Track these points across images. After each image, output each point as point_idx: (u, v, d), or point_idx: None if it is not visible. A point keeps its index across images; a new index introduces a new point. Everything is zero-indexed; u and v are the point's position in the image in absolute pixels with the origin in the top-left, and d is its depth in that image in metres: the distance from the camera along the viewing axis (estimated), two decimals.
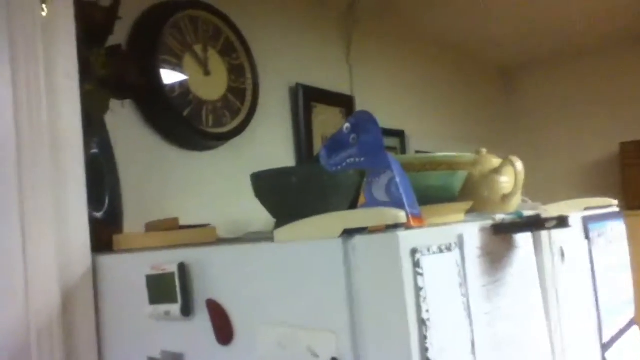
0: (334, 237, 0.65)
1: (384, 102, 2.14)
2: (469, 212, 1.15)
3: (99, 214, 1.12)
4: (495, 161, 1.25)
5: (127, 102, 1.35)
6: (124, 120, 1.35)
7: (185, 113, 1.42)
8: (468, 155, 1.10)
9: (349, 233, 0.66)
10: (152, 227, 1.09)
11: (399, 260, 0.60)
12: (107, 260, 0.94)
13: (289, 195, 0.90)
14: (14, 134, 0.85)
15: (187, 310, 0.78)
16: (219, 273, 0.77)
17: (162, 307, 0.80)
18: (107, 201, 1.14)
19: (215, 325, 0.77)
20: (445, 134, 2.35)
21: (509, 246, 0.82)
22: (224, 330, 0.76)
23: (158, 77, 1.37)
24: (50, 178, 0.89)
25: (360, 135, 0.78)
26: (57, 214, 0.89)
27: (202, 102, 1.47)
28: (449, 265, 0.68)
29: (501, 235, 0.80)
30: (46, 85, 0.89)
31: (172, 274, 0.79)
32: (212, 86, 1.51)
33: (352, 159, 0.78)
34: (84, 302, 0.91)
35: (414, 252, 0.62)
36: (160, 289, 0.81)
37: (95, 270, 0.94)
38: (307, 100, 1.80)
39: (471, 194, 1.21)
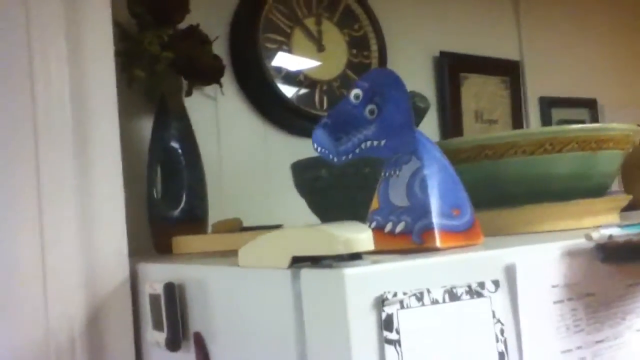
0: (283, 268, 0.44)
1: (567, 65, 1.71)
2: (630, 209, 0.79)
3: (174, 213, 1.03)
4: None
5: (231, 86, 1.25)
6: (226, 107, 1.25)
7: (292, 96, 1.26)
8: (620, 127, 0.75)
9: (307, 261, 0.43)
10: (217, 228, 0.96)
11: (344, 314, 0.36)
12: (148, 269, 0.83)
13: (320, 192, 0.69)
14: (32, 120, 0.78)
15: (173, 344, 0.63)
16: (208, 298, 0.60)
17: (157, 335, 0.66)
18: (184, 198, 1.04)
19: None
20: None
21: (634, 280, 0.50)
22: None
23: (259, 58, 1.23)
24: (74, 173, 0.80)
25: (383, 106, 0.53)
26: (84, 216, 0.80)
27: (315, 83, 1.30)
28: (476, 320, 0.41)
29: (616, 264, 0.48)
30: (71, 67, 0.81)
31: (159, 296, 0.64)
32: (327, 63, 1.33)
33: (370, 142, 0.54)
34: (118, 316, 0.81)
35: (381, 301, 0.37)
36: (156, 312, 0.66)
37: (135, 279, 0.84)
38: (453, 70, 1.51)
39: (637, 184, 0.84)
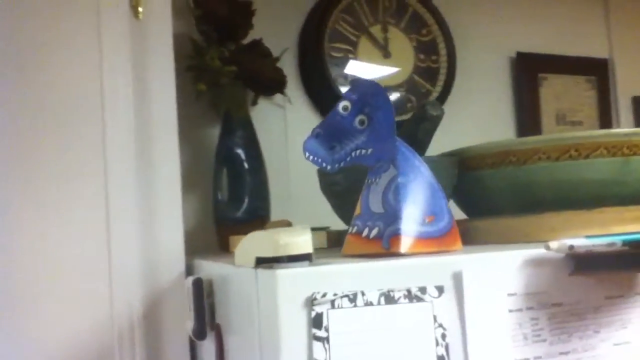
0: (250, 267, 0.48)
1: None
2: None
3: (237, 214, 1.12)
4: None
5: (299, 95, 1.32)
6: (294, 115, 1.32)
7: None
8: None
9: (267, 262, 0.48)
10: (268, 228, 1.02)
11: (275, 311, 0.40)
12: (199, 265, 0.92)
13: (338, 196, 0.72)
14: (100, 132, 0.89)
15: (199, 333, 0.70)
16: (226, 293, 0.67)
17: (188, 325, 0.73)
18: (247, 201, 1.12)
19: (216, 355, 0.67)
20: None
21: (616, 292, 0.49)
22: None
23: (325, 68, 1.28)
24: (137, 179, 0.90)
25: (374, 116, 0.57)
26: (145, 217, 0.90)
27: None
28: (414, 323, 0.43)
29: (588, 275, 0.47)
30: (135, 83, 0.91)
31: (190, 289, 0.71)
32: (394, 70, 1.35)
33: (359, 151, 0.57)
34: (173, 306, 0.90)
35: (310, 301, 0.41)
36: (188, 304, 0.74)
37: (191, 274, 0.93)
38: (531, 71, 1.46)
39: None
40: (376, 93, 0.57)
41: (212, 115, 1.20)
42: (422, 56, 1.37)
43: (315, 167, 1.43)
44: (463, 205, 0.85)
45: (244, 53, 1.13)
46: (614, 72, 1.53)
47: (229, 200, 1.15)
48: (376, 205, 0.54)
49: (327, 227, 1.03)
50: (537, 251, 0.47)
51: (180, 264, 0.93)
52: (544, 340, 0.46)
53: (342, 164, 0.59)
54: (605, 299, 0.49)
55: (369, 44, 1.34)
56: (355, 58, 1.32)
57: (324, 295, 0.41)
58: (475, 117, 1.45)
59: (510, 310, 0.46)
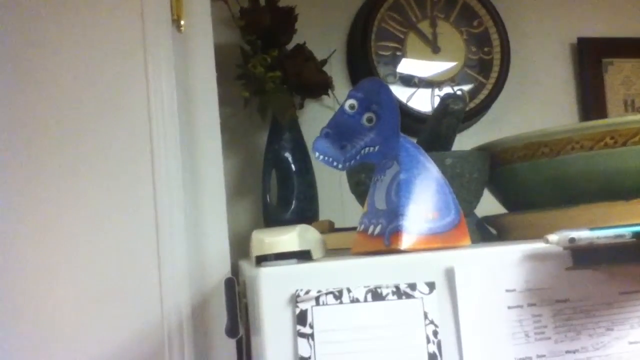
0: (254, 265, 0.50)
1: None
2: None
3: (286, 215, 1.14)
4: None
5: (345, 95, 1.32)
6: None
7: (406, 100, 1.29)
8: None
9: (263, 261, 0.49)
10: None
11: (260, 308, 0.42)
12: (243, 266, 0.94)
13: (362, 195, 0.72)
14: (149, 143, 0.94)
15: (232, 332, 0.72)
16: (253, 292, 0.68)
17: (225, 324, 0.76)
18: (295, 202, 1.14)
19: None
20: None
21: (629, 288, 0.46)
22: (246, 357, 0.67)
23: (371, 67, 1.28)
24: (184, 186, 0.95)
25: (381, 113, 0.57)
26: (192, 222, 0.94)
27: (430, 84, 1.31)
28: (403, 320, 0.43)
29: (591, 269, 0.45)
30: (180, 98, 0.96)
31: (221, 289, 0.74)
32: (443, 64, 1.32)
33: (367, 149, 0.57)
34: (219, 305, 0.93)
35: (294, 298, 0.42)
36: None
37: (237, 276, 0.96)
38: (595, 57, 1.38)
39: None
40: (381, 91, 0.57)
41: (260, 121, 1.24)
42: (473, 48, 1.33)
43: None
44: (500, 199, 0.83)
45: (288, 58, 1.15)
46: None
47: (277, 203, 1.17)
48: (380, 203, 0.54)
49: None
50: (537, 246, 0.45)
51: (225, 266, 0.97)
52: (548, 338, 0.44)
53: (352, 163, 0.59)
54: (620, 294, 0.46)
55: (417, 40, 1.32)
56: (403, 55, 1.31)
57: (307, 292, 0.41)
58: (534, 108, 1.39)
59: (510, 307, 0.44)
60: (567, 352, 0.44)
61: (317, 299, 0.42)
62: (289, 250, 0.43)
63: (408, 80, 1.30)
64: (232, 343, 0.94)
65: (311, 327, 0.41)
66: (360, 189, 0.73)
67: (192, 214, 0.96)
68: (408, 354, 0.42)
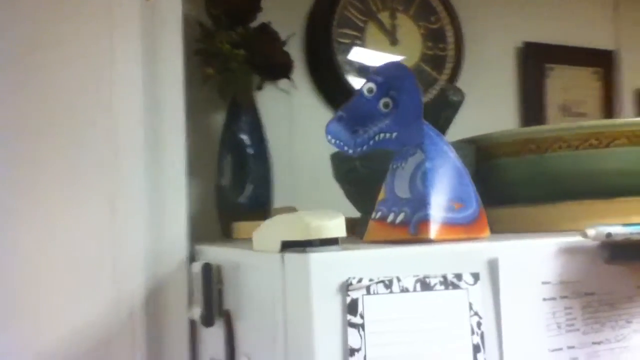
0: (275, 252, 0.47)
1: None
2: None
3: (240, 200, 1.10)
4: None
5: (304, 80, 1.30)
6: (299, 101, 1.30)
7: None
8: None
9: (299, 246, 0.46)
10: (273, 215, 1.01)
11: (308, 296, 0.39)
12: (203, 251, 0.90)
13: (354, 183, 0.71)
14: (109, 117, 0.87)
15: (207, 319, 0.68)
16: (238, 279, 0.65)
17: (194, 311, 0.72)
18: (251, 187, 1.11)
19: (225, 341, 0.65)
20: None
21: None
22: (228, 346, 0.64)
23: (332, 53, 1.27)
24: (144, 165, 0.89)
25: (399, 99, 0.55)
26: (150, 203, 0.88)
27: None
28: (450, 311, 0.42)
29: (621, 264, 0.47)
30: (144, 68, 0.89)
31: (198, 275, 0.70)
32: (400, 57, 1.33)
33: (382, 135, 0.56)
34: (175, 293, 0.88)
35: (346, 287, 0.39)
36: (197, 290, 0.73)
37: (194, 260, 0.92)
38: (538, 62, 1.45)
39: None
40: (402, 76, 0.56)
41: (217, 100, 1.18)
42: (430, 44, 1.35)
43: (322, 155, 1.41)
44: (482, 193, 0.84)
45: (253, 37, 1.11)
46: (620, 64, 1.52)
47: (232, 186, 1.13)
48: (402, 191, 0.53)
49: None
50: (572, 239, 0.46)
51: (182, 251, 0.92)
52: (577, 330, 0.45)
53: (364, 148, 0.57)
54: (638, 288, 0.48)
55: (377, 30, 1.32)
56: (362, 44, 1.30)
57: (360, 280, 0.39)
58: (481, 106, 1.44)
59: (545, 299, 0.45)
60: (593, 343, 0.46)
61: (367, 288, 0.40)
62: (334, 237, 0.41)
63: (366, 71, 1.30)
64: (185, 331, 0.89)
65: (362, 317, 0.39)
66: (353, 176, 0.72)
67: (152, 193, 0.90)
68: (454, 345, 0.41)
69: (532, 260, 0.45)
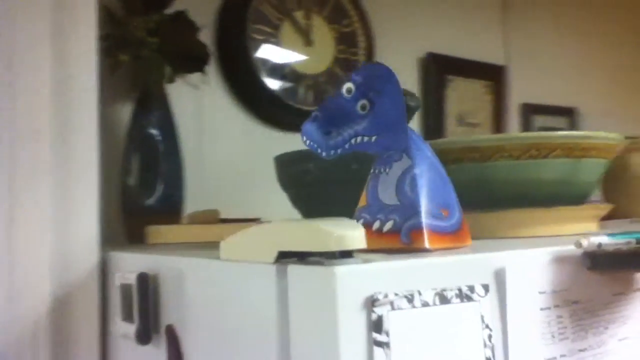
0: (269, 263, 0.42)
1: (550, 72, 1.73)
2: (608, 219, 0.80)
3: (149, 201, 1.01)
4: None
5: (214, 76, 1.23)
6: (209, 97, 1.23)
7: (277, 88, 1.25)
8: (605, 137, 0.76)
9: (294, 257, 0.42)
10: (193, 219, 0.94)
11: (334, 313, 0.35)
12: (120, 258, 0.81)
13: (307, 186, 0.67)
14: (11, 103, 0.76)
15: (143, 336, 0.61)
16: (185, 291, 0.59)
17: (125, 327, 0.64)
18: (161, 187, 1.02)
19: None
20: (636, 116, 1.84)
21: (621, 289, 0.50)
22: None
23: (246, 49, 1.21)
24: (50, 158, 0.78)
25: (377, 101, 0.52)
26: (56, 201, 0.78)
27: (301, 76, 1.29)
28: (465, 324, 0.40)
29: (602, 272, 0.48)
30: (53, 50, 0.78)
31: (131, 286, 0.62)
32: (314, 58, 1.31)
33: (360, 138, 0.53)
34: (85, 306, 0.78)
35: (371, 301, 0.36)
36: (126, 303, 0.65)
37: (106, 268, 0.82)
38: (440, 72, 1.51)
39: (616, 193, 0.85)
40: (383, 77, 0.53)
41: (124, 91, 1.08)
42: (342, 47, 1.35)
43: (232, 155, 1.35)
44: None
45: (168, 24, 1.02)
46: (509, 79, 1.63)
47: (140, 186, 1.04)
48: (388, 197, 0.51)
49: (259, 219, 0.97)
50: (564, 248, 0.47)
51: (93, 258, 0.82)
52: (567, 338, 0.46)
53: (339, 151, 0.54)
54: (612, 295, 0.50)
55: (292, 30, 1.29)
56: (277, 42, 1.27)
57: (386, 295, 0.36)
58: None
59: (542, 309, 0.45)
60: (580, 350, 0.47)
61: (391, 303, 0.37)
62: (354, 248, 0.37)
63: (279, 70, 1.26)
64: (95, 348, 0.79)
65: (387, 334, 0.36)
66: (305, 179, 0.68)
67: (58, 192, 0.79)
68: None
69: (533, 270, 0.45)
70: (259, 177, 1.25)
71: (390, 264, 0.38)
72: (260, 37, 1.24)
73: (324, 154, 0.55)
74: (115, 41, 0.97)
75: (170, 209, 1.03)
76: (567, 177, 0.74)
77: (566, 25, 1.79)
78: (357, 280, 0.36)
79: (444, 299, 0.39)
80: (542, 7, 1.73)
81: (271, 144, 1.28)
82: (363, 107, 0.54)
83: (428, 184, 0.50)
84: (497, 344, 0.42)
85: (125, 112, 1.07)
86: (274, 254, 0.42)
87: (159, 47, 1.00)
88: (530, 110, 1.67)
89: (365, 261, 0.38)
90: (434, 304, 0.39)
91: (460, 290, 0.40)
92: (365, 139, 0.53)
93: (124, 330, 0.64)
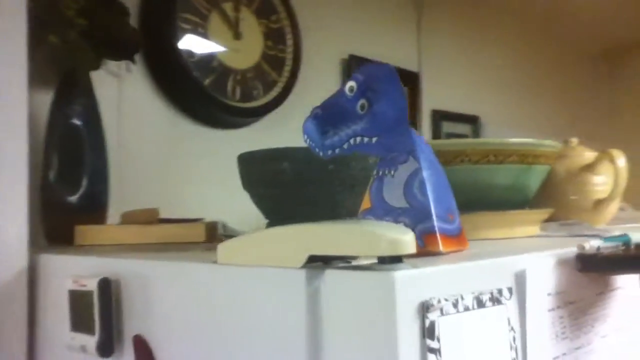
0: (295, 267, 0.40)
1: (457, 81, 1.82)
2: (546, 221, 0.85)
3: (72, 198, 0.92)
4: (589, 155, 0.94)
5: (137, 65, 1.15)
6: (131, 87, 1.15)
7: (205, 82, 1.19)
8: (551, 144, 0.80)
9: (318, 261, 0.40)
10: (129, 218, 0.87)
11: (392, 323, 0.33)
12: (51, 261, 0.73)
13: (280, 189, 0.65)
14: None
15: (106, 348, 0.55)
16: (154, 297, 0.54)
17: (80, 338, 0.57)
18: (85, 183, 0.94)
19: None
20: (530, 124, 2.00)
21: (602, 289, 0.53)
22: None
23: (173, 38, 1.15)
24: None
25: (374, 101, 0.51)
26: None
27: (229, 71, 1.24)
28: (495, 327, 0.40)
29: (591, 274, 0.51)
30: None
31: (91, 293, 0.56)
32: (243, 52, 1.27)
33: (360, 138, 0.51)
34: (12, 312, 0.70)
35: (424, 308, 0.35)
36: (81, 312, 0.58)
37: (34, 272, 0.73)
38: None
39: (552, 198, 0.91)
40: (382, 78, 0.52)
41: (45, 78, 0.97)
42: (270, 43, 1.32)
43: (153, 150, 1.27)
44: None
45: (98, 7, 0.94)
46: (421, 85, 1.69)
47: (62, 182, 0.94)
48: (396, 200, 0.50)
49: (201, 219, 0.92)
50: (567, 250, 0.48)
51: (21, 261, 0.73)
52: (567, 338, 0.48)
53: (336, 151, 0.53)
54: (596, 295, 0.53)
55: (220, 22, 1.24)
56: (205, 34, 1.21)
57: (439, 301, 0.35)
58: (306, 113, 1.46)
59: (549, 310, 0.46)
60: (575, 348, 0.49)
61: (441, 308, 0.36)
62: (405, 253, 0.36)
63: (206, 62, 1.21)
64: None
65: (438, 340, 0.35)
66: (279, 179, 0.65)
67: None
68: None
69: (546, 272, 0.46)
70: (183, 173, 1.19)
71: (439, 269, 0.37)
72: (188, 27, 1.18)
73: (321, 153, 0.53)
74: (40, 20, 0.87)
75: (95, 207, 0.94)
76: (518, 182, 0.77)
77: (471, 38, 1.90)
78: (412, 285, 0.35)
79: (480, 303, 0.39)
80: (454, 18, 1.82)
81: (195, 138, 1.23)
82: (362, 107, 0.52)
83: (435, 188, 0.50)
84: (518, 347, 0.42)
85: (45, 100, 0.97)
86: (303, 258, 0.39)
87: (86, 30, 0.92)
88: (438, 117, 1.74)
89: (414, 266, 0.36)
90: (473, 308, 0.38)
91: (492, 293, 0.40)
92: (365, 139, 0.52)
93: (78, 342, 0.57)
